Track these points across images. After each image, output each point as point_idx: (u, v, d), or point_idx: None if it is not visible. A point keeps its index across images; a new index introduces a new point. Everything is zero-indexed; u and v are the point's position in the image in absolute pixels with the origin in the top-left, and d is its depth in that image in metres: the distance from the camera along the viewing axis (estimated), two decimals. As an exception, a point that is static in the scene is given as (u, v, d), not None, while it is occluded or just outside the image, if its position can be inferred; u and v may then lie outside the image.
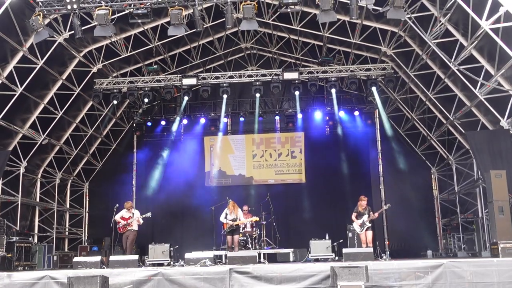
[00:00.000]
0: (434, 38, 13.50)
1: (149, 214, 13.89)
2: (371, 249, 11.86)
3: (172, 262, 15.40)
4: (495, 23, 11.45)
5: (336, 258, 15.08)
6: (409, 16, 13.27)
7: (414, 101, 18.57)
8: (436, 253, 18.33)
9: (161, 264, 14.81)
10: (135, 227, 13.75)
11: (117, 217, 13.91)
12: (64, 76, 16.84)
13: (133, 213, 13.77)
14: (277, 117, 21.07)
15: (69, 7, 12.51)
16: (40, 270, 15.09)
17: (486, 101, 13.75)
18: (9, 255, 14.89)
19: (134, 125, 21.33)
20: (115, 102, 18.67)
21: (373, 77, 17.85)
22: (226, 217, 14.04)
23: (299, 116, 20.35)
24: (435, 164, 19.99)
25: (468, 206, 17.80)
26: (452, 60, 13.41)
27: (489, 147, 13.84)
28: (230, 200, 14.34)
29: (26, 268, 15.65)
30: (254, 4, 12.43)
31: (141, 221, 13.84)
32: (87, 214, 21.32)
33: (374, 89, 18.16)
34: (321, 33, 16.96)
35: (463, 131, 16.16)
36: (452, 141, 17.94)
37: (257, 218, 15.60)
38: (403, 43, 15.87)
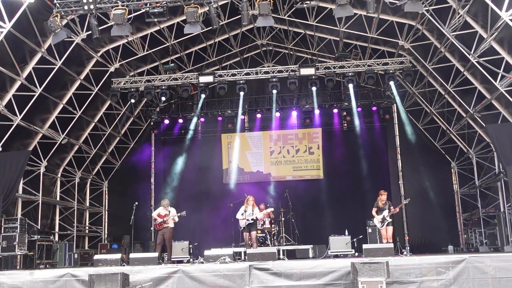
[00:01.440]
0: (453, 30, 13.31)
1: (184, 213, 13.91)
2: (391, 245, 11.76)
3: (191, 259, 15.50)
4: (516, 13, 11.26)
5: (356, 254, 15.02)
6: (426, 8, 13.09)
7: (433, 95, 18.36)
8: (457, 248, 18.14)
9: (180, 261, 14.92)
10: (171, 225, 13.77)
11: (154, 214, 14.08)
12: (82, 76, 16.99)
13: (169, 211, 13.84)
14: (294, 113, 20.94)
15: (86, 7, 12.61)
16: (61, 268, 15.29)
17: (507, 93, 13.53)
18: (31, 253, 15.15)
19: (152, 123, 21.41)
20: (132, 101, 18.77)
21: (391, 71, 17.66)
22: (243, 214, 14.01)
23: (316, 112, 20.22)
24: (455, 158, 19.75)
25: (489, 200, 17.57)
26: (472, 52, 13.22)
27: (511, 140, 13.62)
28: (250, 196, 14.31)
29: (47, 266, 15.89)
30: (270, 0, 12.39)
31: (177, 219, 13.89)
32: (106, 212, 21.54)
33: (392, 83, 17.97)
34: (337, 28, 16.83)
35: (484, 124, 15.92)
36: (472, 135, 17.70)
37: (272, 209, 15.54)
38: (421, 36, 15.68)
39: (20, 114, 15.03)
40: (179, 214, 13.87)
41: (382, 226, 13.35)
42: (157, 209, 14.22)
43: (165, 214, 13.80)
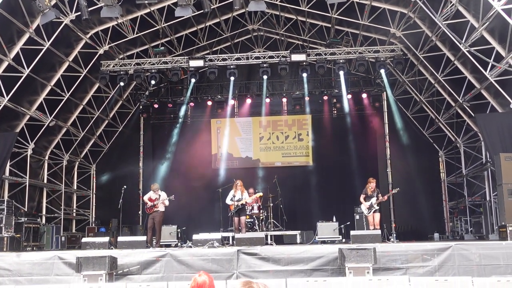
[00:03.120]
0: (445, 19, 13.30)
1: (172, 197, 13.94)
2: (379, 232, 11.88)
3: (179, 244, 15.52)
4: (507, 3, 11.28)
5: (343, 240, 15.14)
6: (419, -4, 13.09)
7: (423, 84, 18.43)
8: (443, 236, 18.33)
9: (168, 245, 14.93)
10: (161, 209, 13.84)
11: (145, 198, 14.13)
12: (71, 58, 16.79)
13: (159, 195, 13.87)
14: (284, 100, 20.88)
15: (75, -13, 12.43)
16: (48, 250, 15.24)
17: (496, 83, 13.61)
18: (18, 235, 15.05)
19: (141, 107, 21.21)
20: (121, 84, 18.60)
21: (382, 59, 17.64)
22: (232, 199, 14.02)
23: (307, 98, 20.17)
24: (443, 147, 19.89)
25: (475, 189, 17.75)
26: (463, 41, 13.24)
27: (499, 130, 13.74)
28: (238, 180, 14.29)
29: (34, 248, 15.82)
30: (262, -15, 12.29)
31: (167, 203, 13.92)
32: (94, 195, 21.44)
33: (382, 71, 17.93)
34: (329, 14, 16.74)
35: (472, 114, 16.03)
36: (461, 124, 17.83)
37: (261, 194, 15.55)
38: (413, 24, 15.65)
39: (7, 95, 14.85)
40: (168, 198, 13.88)
41: (369, 213, 13.45)
42: (148, 193, 14.23)
43: (155, 198, 13.81)
